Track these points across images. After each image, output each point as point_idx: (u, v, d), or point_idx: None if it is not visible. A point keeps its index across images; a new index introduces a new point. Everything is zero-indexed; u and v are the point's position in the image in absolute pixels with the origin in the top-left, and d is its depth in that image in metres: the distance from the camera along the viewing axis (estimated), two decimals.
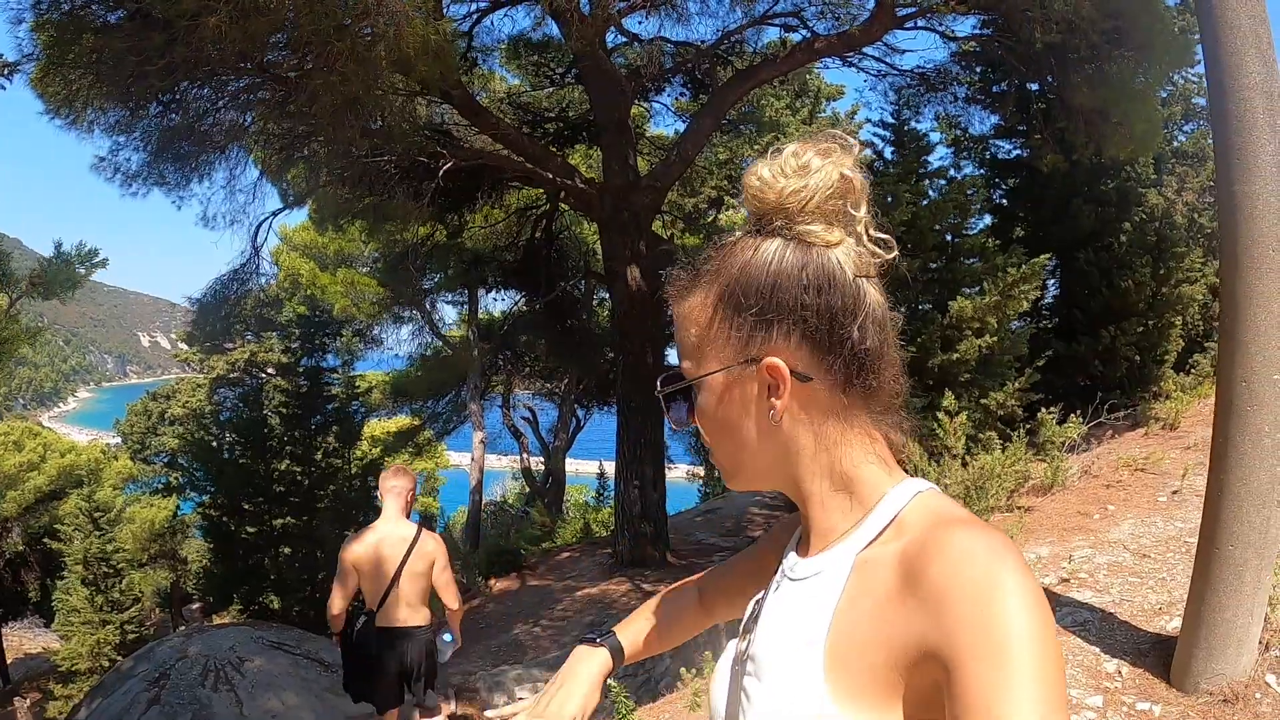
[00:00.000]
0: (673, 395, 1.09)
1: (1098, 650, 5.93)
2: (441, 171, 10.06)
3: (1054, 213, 12.10)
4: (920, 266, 8.76)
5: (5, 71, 9.32)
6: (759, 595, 1.16)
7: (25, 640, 25.24)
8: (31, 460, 19.65)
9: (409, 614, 5.30)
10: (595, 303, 19.53)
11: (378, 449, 23.67)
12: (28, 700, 16.42)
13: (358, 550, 5.21)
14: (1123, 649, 5.89)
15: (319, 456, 11.02)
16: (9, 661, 22.87)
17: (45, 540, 20.83)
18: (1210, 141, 15.97)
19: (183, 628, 15.99)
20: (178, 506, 22.48)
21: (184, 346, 27.44)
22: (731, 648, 1.15)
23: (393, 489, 5.36)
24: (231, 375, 16.84)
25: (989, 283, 8.40)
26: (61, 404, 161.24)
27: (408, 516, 5.45)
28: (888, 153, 11.26)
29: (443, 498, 34.58)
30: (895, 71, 12.34)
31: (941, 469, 5.98)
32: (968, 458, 6.06)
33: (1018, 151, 13.65)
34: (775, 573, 1.15)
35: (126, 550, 19.19)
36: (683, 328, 1.06)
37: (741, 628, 1.16)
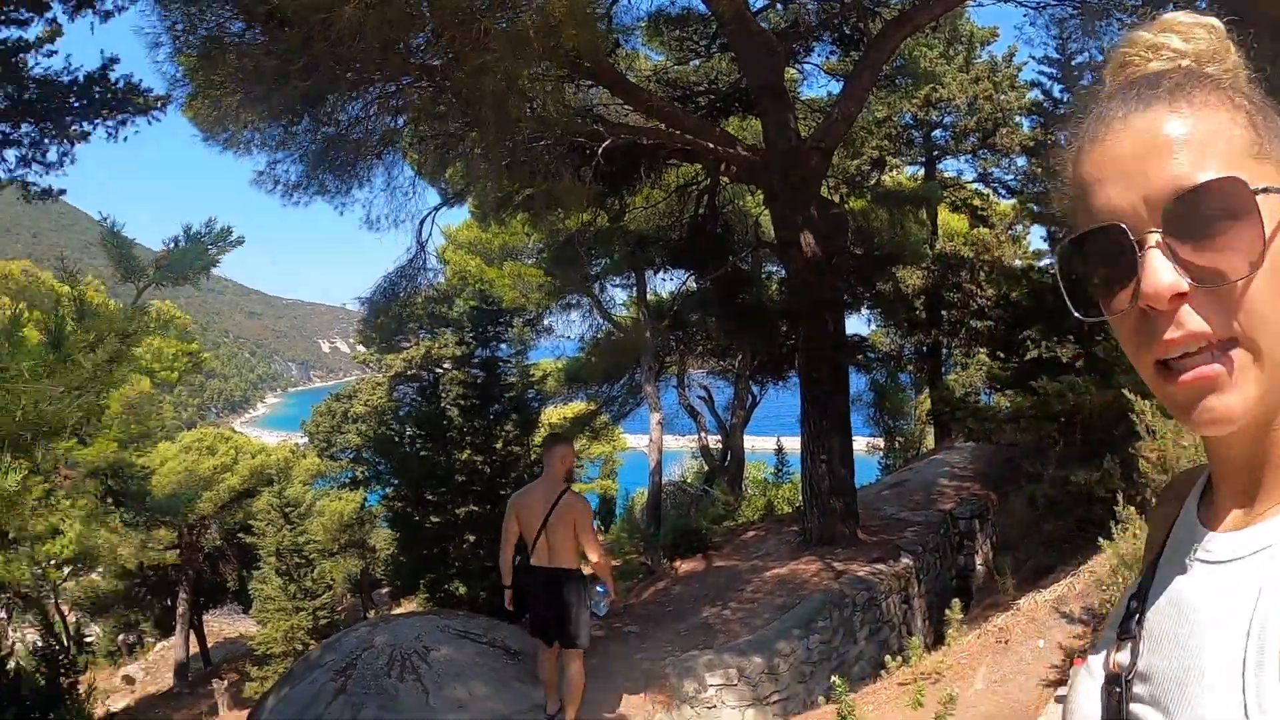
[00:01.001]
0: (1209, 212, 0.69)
1: None
2: (601, 149, 9.79)
3: None
4: None
5: (159, 104, 9.65)
6: (1131, 589, 0.89)
7: (224, 626, 26.97)
8: (224, 463, 20.99)
9: (554, 557, 6.30)
10: (764, 276, 19.01)
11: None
12: (225, 681, 17.35)
13: (517, 501, 6.51)
14: None
15: (499, 445, 10.98)
16: (210, 645, 24.56)
17: (240, 535, 22.19)
18: None
19: (371, 615, 16.56)
20: (364, 499, 23.52)
21: (362, 349, 28.50)
22: (1097, 665, 0.86)
23: (550, 455, 6.57)
24: (409, 372, 17.18)
25: None
26: (251, 410, 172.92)
27: (566, 478, 6.59)
28: (1055, 90, 10.30)
29: (621, 480, 34.82)
30: (1054, 2, 11.29)
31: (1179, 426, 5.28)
32: None
33: None
34: (1161, 557, 0.86)
35: (317, 541, 20.22)
36: (1205, 122, 0.72)
37: (1114, 635, 0.86)
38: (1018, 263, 16.89)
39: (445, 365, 11.84)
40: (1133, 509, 5.38)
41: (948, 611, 7.28)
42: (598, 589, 6.47)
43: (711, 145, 10.77)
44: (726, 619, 9.26)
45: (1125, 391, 5.81)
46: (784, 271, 13.33)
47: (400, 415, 11.31)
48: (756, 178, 11.34)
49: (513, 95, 7.95)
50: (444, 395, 11.54)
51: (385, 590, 25.87)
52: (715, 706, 7.82)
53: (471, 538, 10.77)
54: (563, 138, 9.59)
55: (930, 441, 21.91)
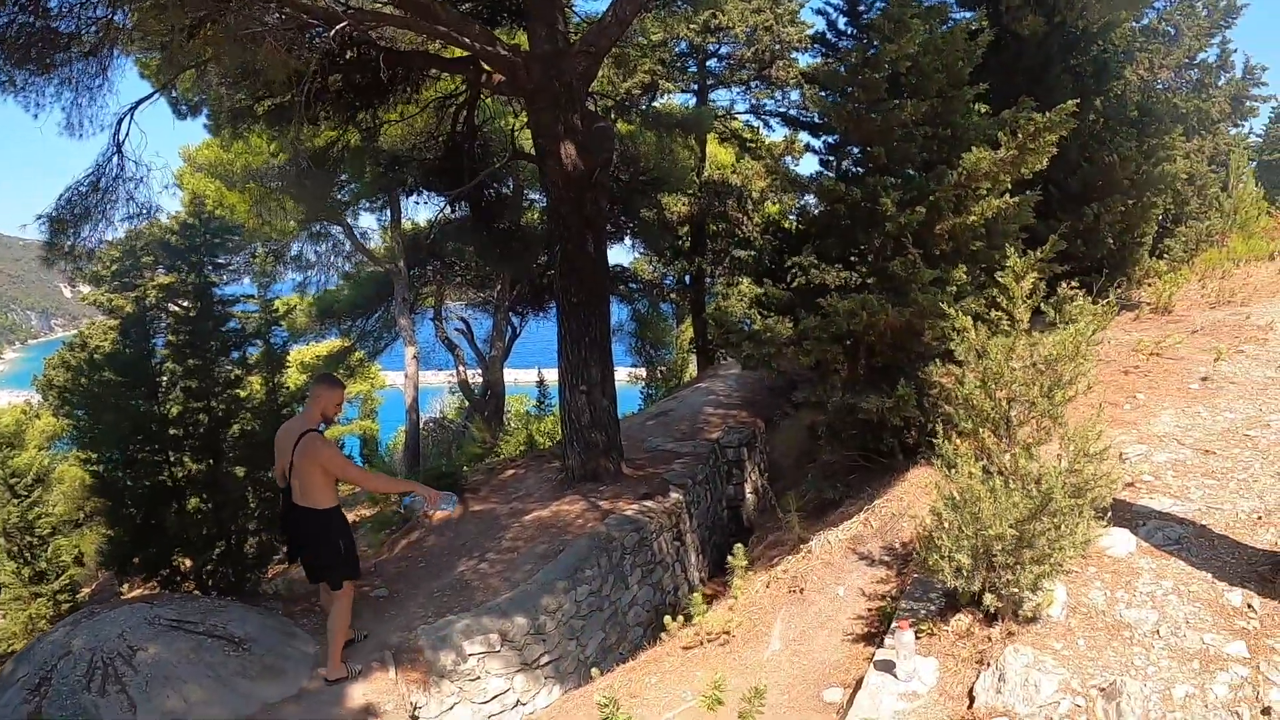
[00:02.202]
0: None
1: (1209, 576, 4.36)
2: (334, 32, 7.97)
3: (1026, 86, 10.46)
4: (924, 113, 6.98)
5: None
6: None
7: None
8: None
9: (302, 496, 6.06)
10: (526, 205, 17.53)
11: (307, 375, 21.75)
12: None
13: (277, 435, 6.28)
14: (1238, 573, 4.36)
15: (219, 389, 8.93)
16: None
17: None
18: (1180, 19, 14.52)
19: (125, 589, 14.18)
20: None
21: (88, 289, 24.71)
22: None
23: (310, 392, 6.29)
24: (153, 320, 14.59)
25: (1003, 135, 6.67)
26: None
27: (327, 420, 6.22)
28: (841, 22, 9.46)
29: (381, 419, 32.70)
30: None
31: (1010, 346, 4.33)
32: (1035, 333, 4.42)
33: (971, 22, 11.99)
34: None
35: (54, 514, 17.20)
36: None
37: None
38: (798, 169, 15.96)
39: (182, 303, 9.59)
40: (959, 441, 4.42)
41: (730, 558, 6.22)
42: (404, 500, 6.77)
43: (469, 41, 9.12)
44: (485, 573, 7.89)
45: (944, 305, 4.82)
46: (543, 187, 11.88)
47: (95, 361, 8.92)
48: (518, 85, 9.78)
49: None
50: (160, 333, 9.27)
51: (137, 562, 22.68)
52: (479, 678, 6.48)
53: (195, 501, 8.74)
54: (289, 15, 7.72)
55: (693, 370, 21.33)
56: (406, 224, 18.44)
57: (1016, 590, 4.09)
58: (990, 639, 4.16)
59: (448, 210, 16.60)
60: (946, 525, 4.23)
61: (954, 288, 6.55)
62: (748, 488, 11.34)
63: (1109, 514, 4.38)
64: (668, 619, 6.04)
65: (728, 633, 5.46)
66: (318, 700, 6.06)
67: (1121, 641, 3.97)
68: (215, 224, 10.11)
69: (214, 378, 9.08)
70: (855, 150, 8.27)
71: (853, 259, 7.93)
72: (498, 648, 6.64)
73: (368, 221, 19.86)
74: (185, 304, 9.32)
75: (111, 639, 6.11)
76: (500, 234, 15.83)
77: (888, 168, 7.08)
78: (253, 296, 12.02)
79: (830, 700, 4.53)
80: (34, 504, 16.80)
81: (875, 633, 4.88)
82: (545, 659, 6.92)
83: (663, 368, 23.32)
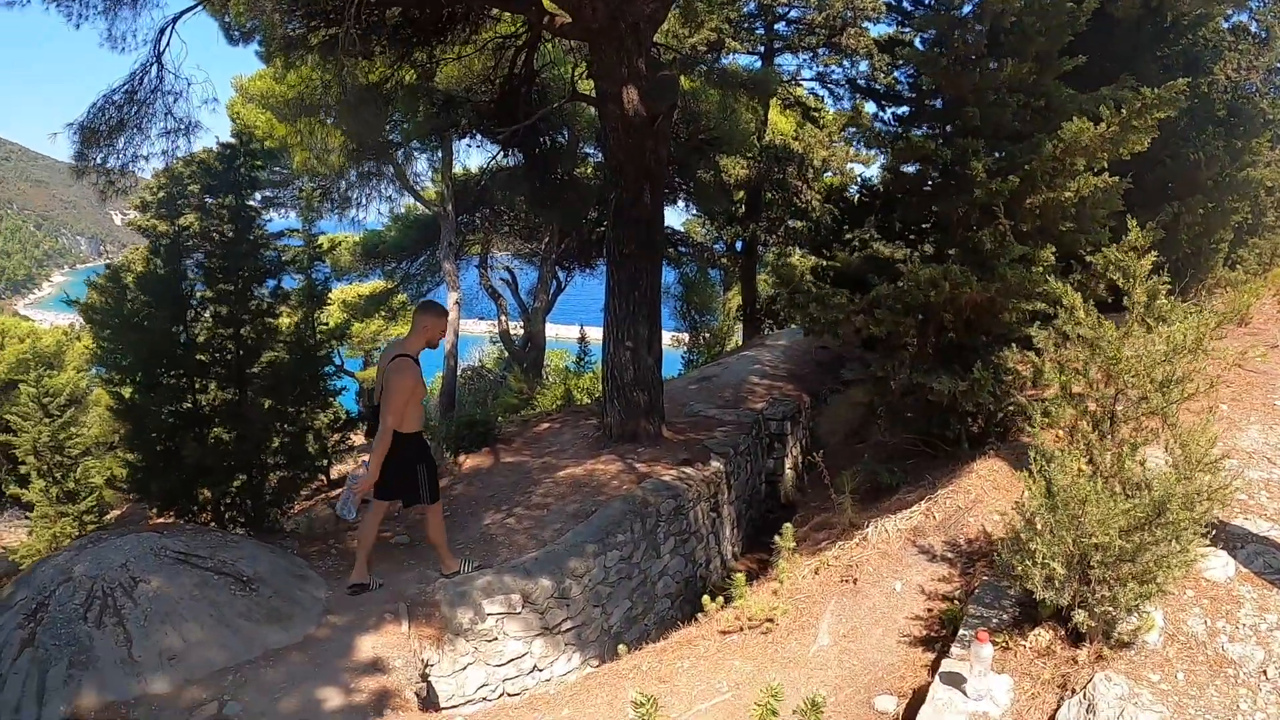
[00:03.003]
0: None
1: None
2: None
3: (1115, 72, 9.75)
4: (1023, 76, 6.30)
5: None
6: None
7: (5, 534, 23.41)
8: None
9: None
10: (580, 157, 16.92)
11: (348, 314, 21.48)
12: None
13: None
14: None
15: (249, 317, 8.50)
16: None
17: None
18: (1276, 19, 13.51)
19: (152, 515, 13.95)
20: None
21: (136, 214, 24.42)
22: None
23: (414, 317, 6.29)
24: (188, 243, 14.32)
25: (1105, 109, 5.97)
26: (36, 290, 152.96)
27: (430, 347, 6.25)
28: None
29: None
30: None
31: (1127, 331, 3.75)
32: (1150, 321, 3.83)
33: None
34: None
35: (86, 436, 17.03)
36: None
37: None
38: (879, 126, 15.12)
39: (217, 227, 9.15)
40: (1059, 432, 3.87)
41: (778, 538, 5.70)
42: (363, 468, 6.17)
43: None
44: (511, 529, 7.46)
45: (1049, 278, 4.22)
46: (601, 133, 11.31)
47: (120, 279, 8.47)
48: (583, 24, 9.17)
49: None
50: (188, 255, 8.85)
51: None
52: (496, 639, 6.05)
53: (219, 431, 8.34)
54: None
55: (738, 339, 20.71)
56: (457, 169, 17.94)
57: (1111, 609, 3.54)
58: (1076, 661, 3.63)
59: (500, 157, 16.07)
60: (1040, 527, 3.68)
61: (1040, 268, 5.92)
62: (788, 463, 10.82)
63: (1213, 533, 3.82)
64: (706, 599, 5.53)
65: (771, 620, 4.96)
66: (323, 650, 5.67)
67: (1225, 680, 3.42)
68: (256, 147, 9.66)
69: (246, 305, 8.68)
70: (925, 127, 7.64)
71: (911, 236, 7.36)
72: (518, 609, 6.21)
73: (418, 163, 19.48)
74: (222, 228, 8.89)
75: (114, 568, 5.73)
76: (553, 184, 15.28)
77: (978, 131, 6.43)
78: (297, 230, 11.65)
79: (883, 709, 4.02)
80: (66, 424, 16.64)
81: (935, 637, 4.36)
82: (568, 625, 6.49)
83: (707, 333, 22.75)
